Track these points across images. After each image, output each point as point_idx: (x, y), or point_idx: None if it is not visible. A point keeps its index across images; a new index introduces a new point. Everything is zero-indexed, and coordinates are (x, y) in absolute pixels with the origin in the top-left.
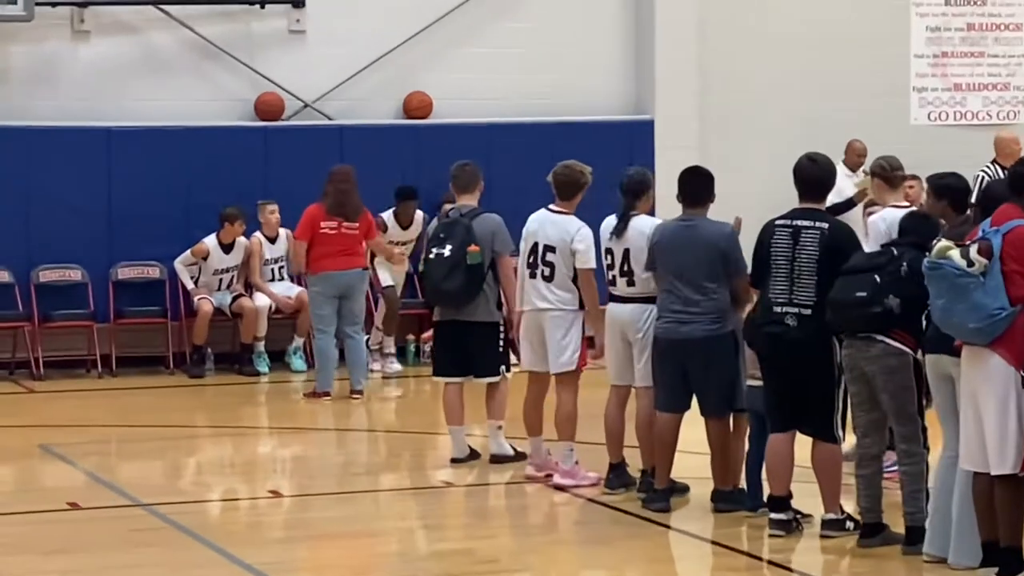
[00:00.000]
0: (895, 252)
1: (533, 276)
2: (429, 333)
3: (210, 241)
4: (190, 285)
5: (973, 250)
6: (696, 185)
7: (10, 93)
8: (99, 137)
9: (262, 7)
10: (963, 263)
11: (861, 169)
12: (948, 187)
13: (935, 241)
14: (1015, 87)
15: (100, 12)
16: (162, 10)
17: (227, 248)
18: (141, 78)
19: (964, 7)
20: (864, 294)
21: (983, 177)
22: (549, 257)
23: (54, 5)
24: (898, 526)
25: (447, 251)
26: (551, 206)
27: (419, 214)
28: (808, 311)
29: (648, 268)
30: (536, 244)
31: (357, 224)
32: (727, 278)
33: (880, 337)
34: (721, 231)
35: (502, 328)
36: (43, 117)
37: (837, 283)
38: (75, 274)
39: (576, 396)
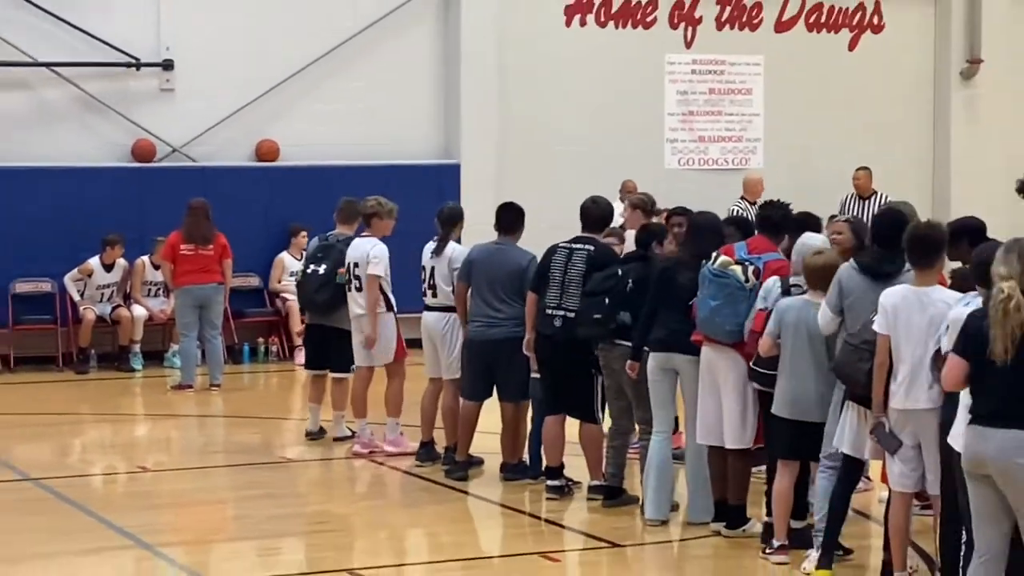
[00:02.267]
0: (620, 272)
1: (350, 289)
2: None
3: (94, 262)
4: (77, 297)
5: (751, 270)
6: (509, 217)
7: None
8: (0, 176)
9: (138, 69)
10: (743, 278)
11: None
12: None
13: (715, 255)
14: (747, 139)
15: (1, 71)
16: (53, 71)
17: (108, 268)
18: (36, 126)
19: (706, 75)
20: (599, 315)
21: (736, 210)
22: (356, 271)
23: None
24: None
25: (322, 269)
26: (364, 232)
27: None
28: (572, 314)
29: (462, 280)
30: (349, 263)
31: (211, 247)
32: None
33: (619, 341)
34: (524, 256)
35: None
36: None
37: (582, 304)
38: None
39: (403, 381)
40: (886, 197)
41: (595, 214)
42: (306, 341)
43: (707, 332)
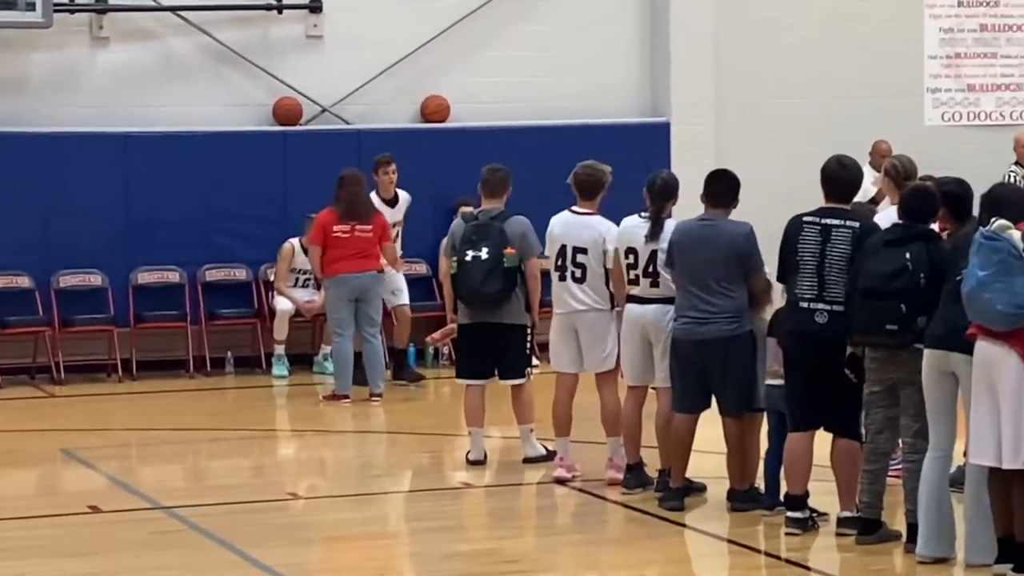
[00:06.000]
0: (909, 265)
1: (563, 279)
2: (439, 334)
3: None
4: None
5: None
6: (721, 187)
7: (29, 100)
8: (117, 143)
9: (280, 12)
10: (1021, 246)
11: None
12: (946, 193)
13: (994, 219)
14: None
15: (118, 18)
16: (180, 16)
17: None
18: (159, 84)
19: (977, 8)
20: (895, 327)
21: (1011, 177)
22: (580, 259)
23: (72, 11)
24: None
25: (484, 254)
26: (574, 208)
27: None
28: (840, 307)
29: (669, 266)
30: (564, 247)
31: (370, 227)
32: (745, 278)
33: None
34: (741, 230)
35: (529, 330)
36: (62, 123)
37: (860, 306)
38: (95, 279)
39: (618, 393)
40: None
41: (844, 179)
42: (463, 345)
43: (974, 314)
